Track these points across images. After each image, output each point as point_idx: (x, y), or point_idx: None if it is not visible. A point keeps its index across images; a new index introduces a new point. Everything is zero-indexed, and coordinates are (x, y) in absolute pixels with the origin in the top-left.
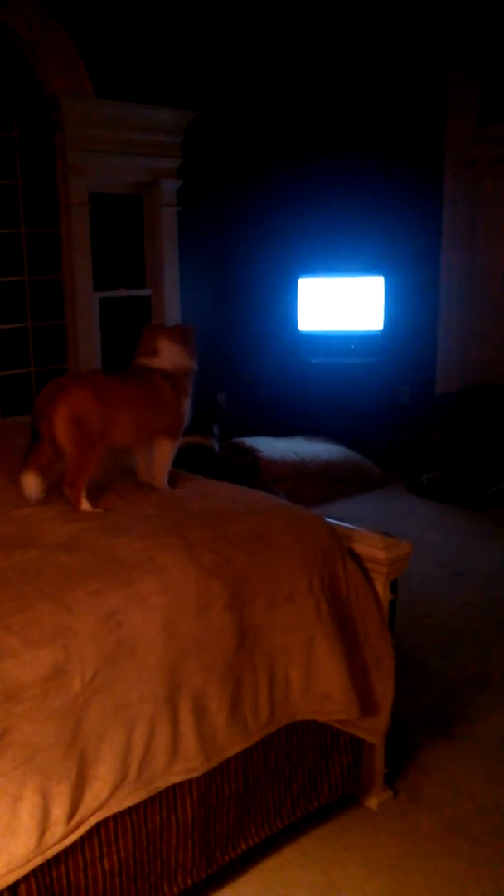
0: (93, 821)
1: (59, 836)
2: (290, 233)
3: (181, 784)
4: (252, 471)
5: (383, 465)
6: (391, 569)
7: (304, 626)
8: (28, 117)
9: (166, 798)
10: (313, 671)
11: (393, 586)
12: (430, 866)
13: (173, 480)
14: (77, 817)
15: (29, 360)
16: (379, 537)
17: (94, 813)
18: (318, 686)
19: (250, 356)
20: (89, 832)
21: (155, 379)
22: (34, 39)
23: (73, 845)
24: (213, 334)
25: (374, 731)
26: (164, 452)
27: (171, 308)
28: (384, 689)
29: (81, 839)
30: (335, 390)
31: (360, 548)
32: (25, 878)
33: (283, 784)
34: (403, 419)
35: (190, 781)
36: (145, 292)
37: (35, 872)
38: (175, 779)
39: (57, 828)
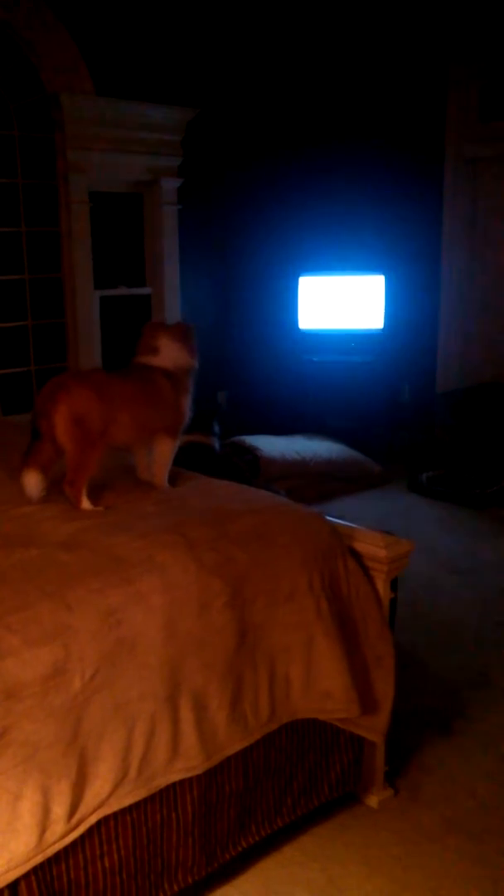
0: (93, 819)
1: (60, 835)
2: (290, 231)
3: (181, 782)
4: (252, 469)
5: (384, 463)
6: (391, 567)
7: (305, 624)
8: (28, 115)
9: (167, 796)
10: (314, 670)
11: (393, 585)
12: (430, 864)
13: (173, 479)
14: (77, 815)
15: (29, 359)
16: (379, 536)
17: (94, 811)
18: (319, 684)
19: (251, 354)
20: (90, 830)
21: (155, 377)
22: (35, 38)
23: (74, 843)
24: (213, 333)
25: (374, 729)
26: (165, 451)
27: (172, 306)
28: (384, 687)
29: (82, 837)
30: (335, 389)
31: (360, 546)
32: (26, 875)
33: (283, 782)
34: (404, 418)
35: (190, 780)
36: (145, 291)
37: (35, 870)
38: (175, 777)
39: (57, 826)
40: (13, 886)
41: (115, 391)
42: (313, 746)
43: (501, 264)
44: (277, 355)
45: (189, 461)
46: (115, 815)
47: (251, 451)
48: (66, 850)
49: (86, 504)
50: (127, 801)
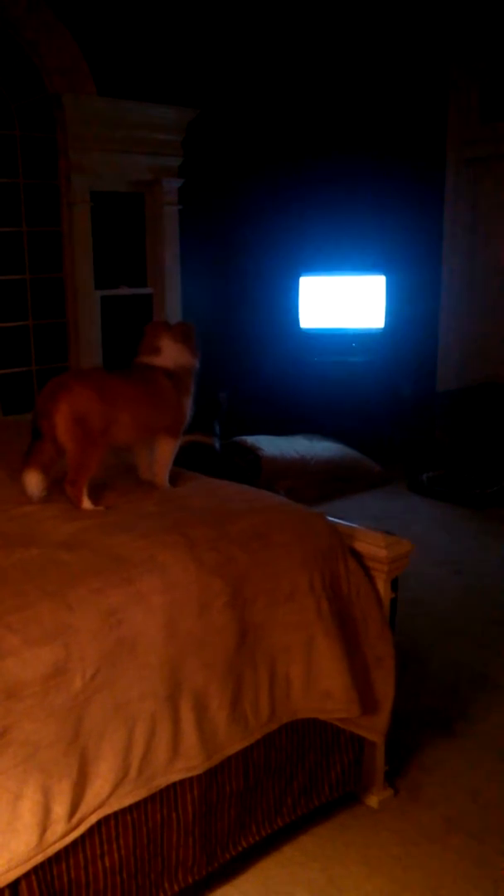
0: (94, 818)
1: (60, 834)
2: (291, 231)
3: (182, 782)
4: (253, 469)
5: (384, 463)
6: (392, 567)
7: (305, 624)
8: (30, 115)
9: (167, 796)
10: (314, 669)
11: (394, 585)
12: (430, 864)
13: (174, 479)
14: (78, 815)
15: (30, 359)
16: (380, 536)
17: (94, 811)
18: (319, 684)
19: (252, 354)
20: (90, 830)
21: (157, 377)
22: (36, 38)
23: (74, 843)
24: (214, 333)
25: (374, 729)
26: (166, 451)
27: (173, 306)
28: (385, 687)
29: (82, 837)
30: (336, 389)
31: (361, 546)
32: (26, 875)
33: (283, 782)
34: (404, 418)
35: (191, 779)
36: (147, 291)
37: (36, 870)
38: (176, 777)
39: (58, 825)
40: (14, 886)
41: (116, 391)
42: (313, 746)
43: (502, 265)
44: (278, 355)
45: (190, 461)
46: (115, 814)
47: (252, 451)
48: (66, 849)
49: (87, 504)
50: (127, 801)
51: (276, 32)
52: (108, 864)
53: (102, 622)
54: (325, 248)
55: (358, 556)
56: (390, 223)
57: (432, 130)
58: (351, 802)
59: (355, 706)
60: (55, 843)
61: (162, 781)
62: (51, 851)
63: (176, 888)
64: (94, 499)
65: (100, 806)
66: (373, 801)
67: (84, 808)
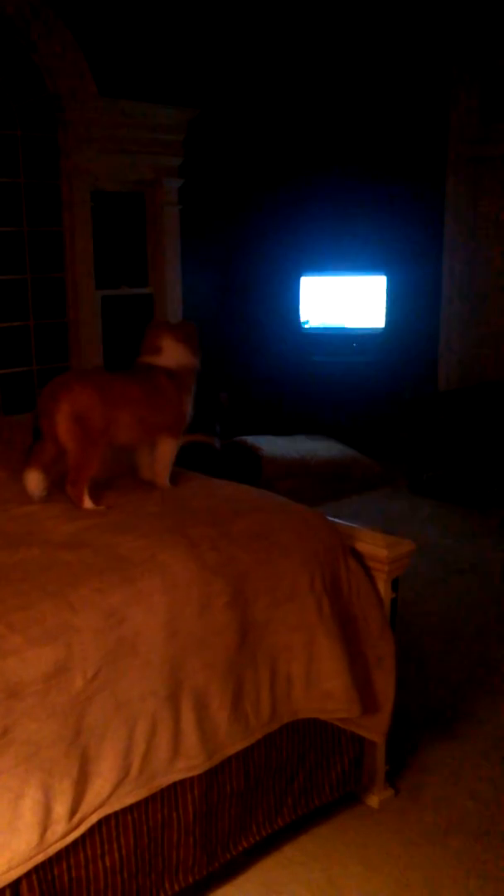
0: (94, 818)
1: (61, 834)
2: (292, 231)
3: (182, 782)
4: (254, 469)
5: (385, 463)
6: (393, 567)
7: (306, 624)
8: (31, 115)
9: (168, 796)
10: (315, 669)
11: (394, 585)
12: (430, 865)
13: (175, 479)
14: (79, 814)
15: (31, 358)
16: (381, 536)
17: (95, 810)
18: (320, 684)
19: (252, 354)
20: (91, 829)
21: (158, 377)
22: (38, 38)
23: (75, 842)
24: (215, 332)
25: (375, 729)
26: (167, 451)
27: (174, 306)
28: (385, 687)
29: (83, 836)
30: (337, 388)
31: (361, 546)
32: (27, 875)
33: (284, 782)
34: (405, 417)
35: (191, 779)
36: (147, 290)
37: (37, 870)
38: (176, 776)
39: (59, 825)
40: (14, 885)
41: (117, 391)
42: (314, 746)
43: (502, 264)
44: (279, 355)
45: (191, 461)
46: (116, 814)
47: (253, 451)
48: (67, 849)
49: (88, 503)
50: (128, 801)
51: (276, 31)
52: (108, 864)
53: (104, 622)
54: (326, 248)
55: (359, 556)
56: (391, 223)
57: (434, 130)
58: (351, 802)
59: (356, 706)
60: (56, 842)
61: (163, 781)
62: (52, 851)
63: (176, 888)
64: (95, 498)
65: (100, 805)
66: (373, 801)
67: (85, 808)
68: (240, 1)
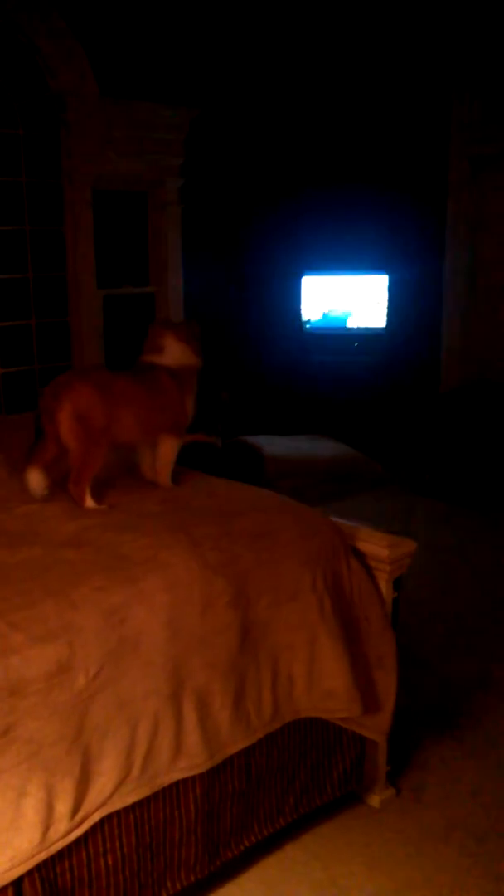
0: (96, 817)
1: (63, 832)
2: (293, 231)
3: (184, 781)
4: (256, 468)
5: (386, 463)
6: (394, 567)
7: (308, 623)
8: (33, 115)
9: (169, 794)
10: (316, 669)
11: (396, 584)
12: (432, 864)
13: (177, 478)
14: (81, 813)
15: (33, 358)
16: (382, 535)
17: (97, 809)
18: (322, 684)
19: (254, 354)
20: (93, 828)
21: (160, 376)
22: (39, 37)
23: (77, 841)
24: (216, 332)
25: (376, 728)
26: (169, 450)
27: (175, 306)
28: (387, 686)
29: (85, 835)
30: (338, 388)
31: (363, 546)
32: (29, 873)
33: (285, 781)
34: (406, 417)
35: (193, 778)
36: (149, 290)
37: (39, 868)
38: (178, 775)
39: (61, 824)
40: (17, 884)
41: (118, 390)
42: (316, 746)
43: None
44: (281, 355)
45: (193, 460)
46: (117, 813)
47: (254, 451)
48: (69, 847)
49: (90, 502)
50: (130, 800)
51: (278, 31)
52: (110, 863)
53: (106, 621)
54: (328, 248)
55: (360, 556)
56: (393, 222)
57: (436, 129)
58: (353, 802)
59: (357, 705)
60: (58, 840)
61: (164, 780)
62: (54, 849)
63: (178, 887)
64: (97, 497)
65: (102, 804)
66: (374, 800)
67: (87, 807)
68: (240, 1)
